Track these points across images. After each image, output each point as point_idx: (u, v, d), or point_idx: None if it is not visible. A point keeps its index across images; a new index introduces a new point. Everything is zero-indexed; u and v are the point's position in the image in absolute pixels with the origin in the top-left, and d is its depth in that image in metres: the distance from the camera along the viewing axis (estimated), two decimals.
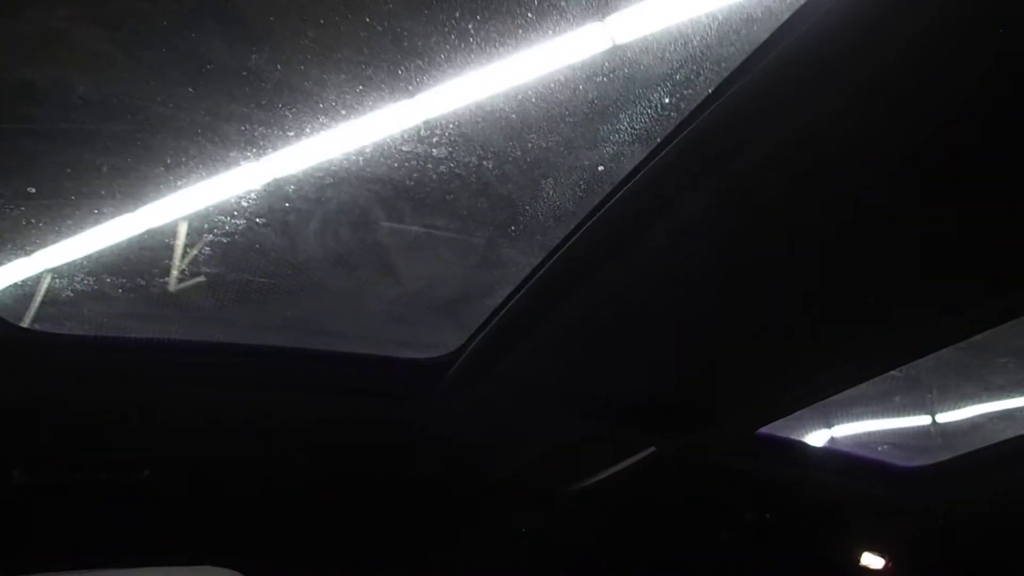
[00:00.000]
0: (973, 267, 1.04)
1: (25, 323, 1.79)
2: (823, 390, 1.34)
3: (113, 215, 1.50)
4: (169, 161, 1.40)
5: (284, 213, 1.59)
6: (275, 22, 1.18)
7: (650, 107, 1.38)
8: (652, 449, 1.56)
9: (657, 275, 1.10)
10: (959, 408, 2.89)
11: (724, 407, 1.45)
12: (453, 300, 1.97)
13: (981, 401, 2.93)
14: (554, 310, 1.24)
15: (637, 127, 1.42)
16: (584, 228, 1.14)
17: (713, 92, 1.07)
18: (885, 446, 2.55)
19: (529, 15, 1.21)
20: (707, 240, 1.01)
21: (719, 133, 0.91)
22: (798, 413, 1.47)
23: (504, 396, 1.55)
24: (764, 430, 1.62)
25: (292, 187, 1.51)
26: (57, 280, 1.67)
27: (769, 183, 0.93)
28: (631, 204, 1.06)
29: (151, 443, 1.77)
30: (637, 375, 1.37)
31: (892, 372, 1.37)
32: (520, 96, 1.37)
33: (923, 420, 2.60)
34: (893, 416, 2.51)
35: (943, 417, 2.63)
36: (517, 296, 1.37)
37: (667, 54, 1.30)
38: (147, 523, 1.91)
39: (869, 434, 2.50)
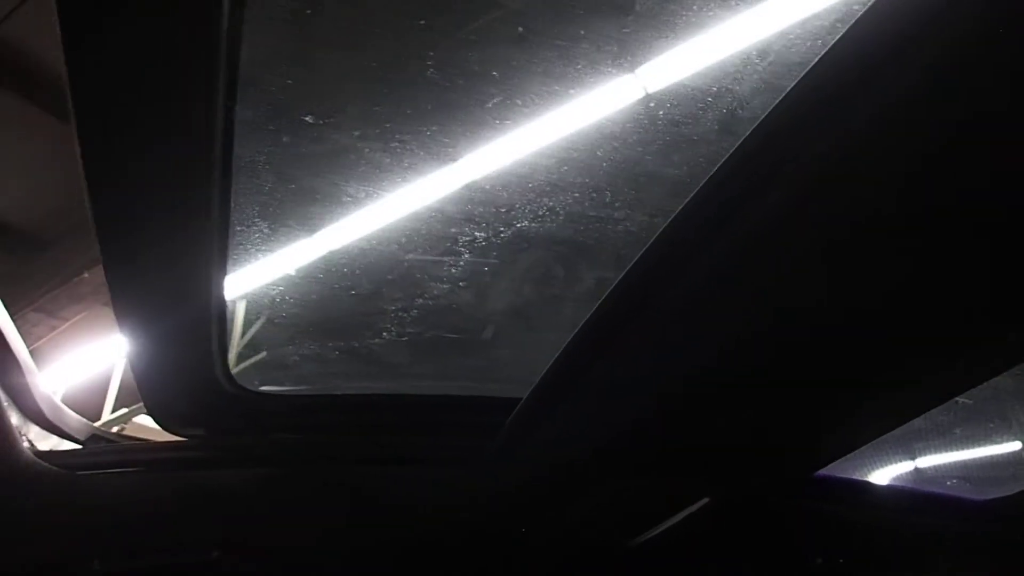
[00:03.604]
0: None
1: (253, 387, 2.09)
2: (882, 426, 1.27)
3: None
4: (403, 241, 1.70)
5: (482, 276, 1.87)
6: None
7: None
8: (706, 500, 1.50)
9: (699, 317, 1.06)
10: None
11: (779, 450, 1.38)
12: None
13: None
14: (603, 354, 1.20)
15: None
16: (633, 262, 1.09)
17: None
18: (954, 480, 2.45)
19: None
20: (755, 276, 0.98)
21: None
22: (856, 452, 1.41)
23: (552, 446, 1.46)
24: (823, 472, 1.54)
25: (494, 254, 1.79)
26: (288, 346, 1.98)
27: (824, 203, 0.87)
28: (667, 245, 1.02)
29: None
30: (685, 421, 1.31)
31: (949, 403, 1.29)
32: (692, 161, 1.64)
33: (989, 451, 2.57)
34: (957, 449, 2.47)
35: (1011, 447, 2.59)
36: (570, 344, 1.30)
37: None
38: None
39: (935, 468, 2.45)
